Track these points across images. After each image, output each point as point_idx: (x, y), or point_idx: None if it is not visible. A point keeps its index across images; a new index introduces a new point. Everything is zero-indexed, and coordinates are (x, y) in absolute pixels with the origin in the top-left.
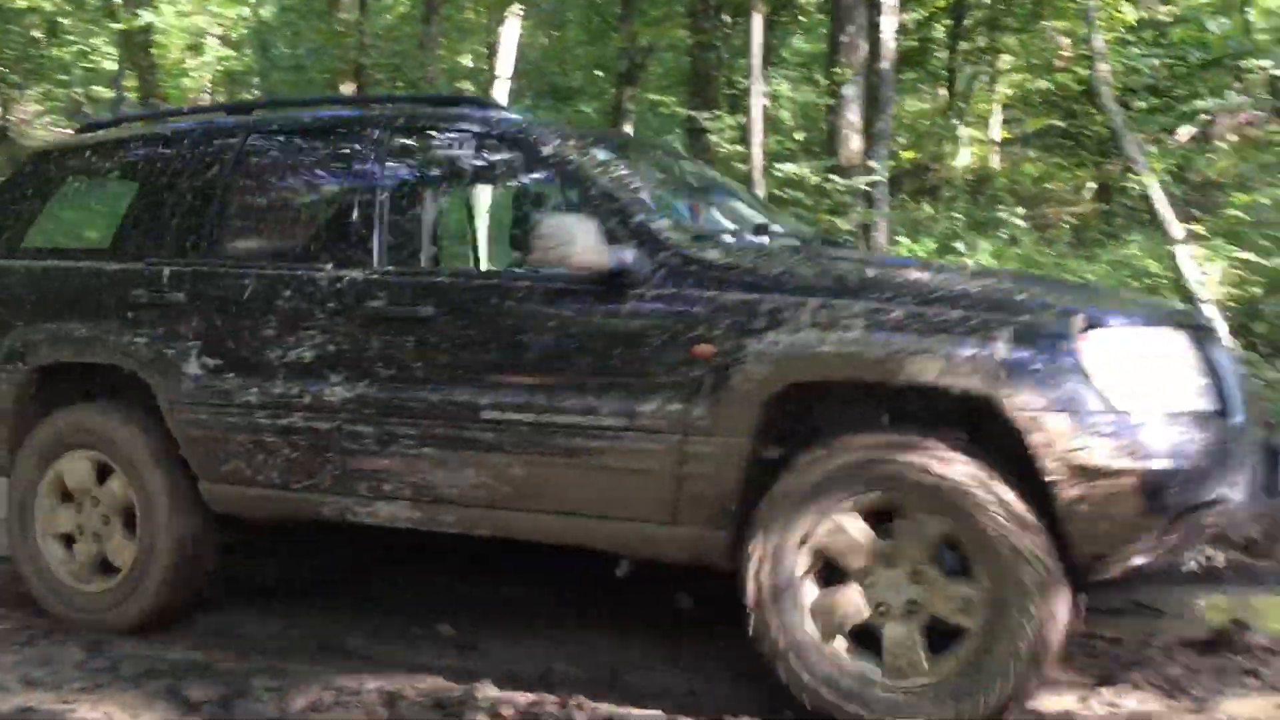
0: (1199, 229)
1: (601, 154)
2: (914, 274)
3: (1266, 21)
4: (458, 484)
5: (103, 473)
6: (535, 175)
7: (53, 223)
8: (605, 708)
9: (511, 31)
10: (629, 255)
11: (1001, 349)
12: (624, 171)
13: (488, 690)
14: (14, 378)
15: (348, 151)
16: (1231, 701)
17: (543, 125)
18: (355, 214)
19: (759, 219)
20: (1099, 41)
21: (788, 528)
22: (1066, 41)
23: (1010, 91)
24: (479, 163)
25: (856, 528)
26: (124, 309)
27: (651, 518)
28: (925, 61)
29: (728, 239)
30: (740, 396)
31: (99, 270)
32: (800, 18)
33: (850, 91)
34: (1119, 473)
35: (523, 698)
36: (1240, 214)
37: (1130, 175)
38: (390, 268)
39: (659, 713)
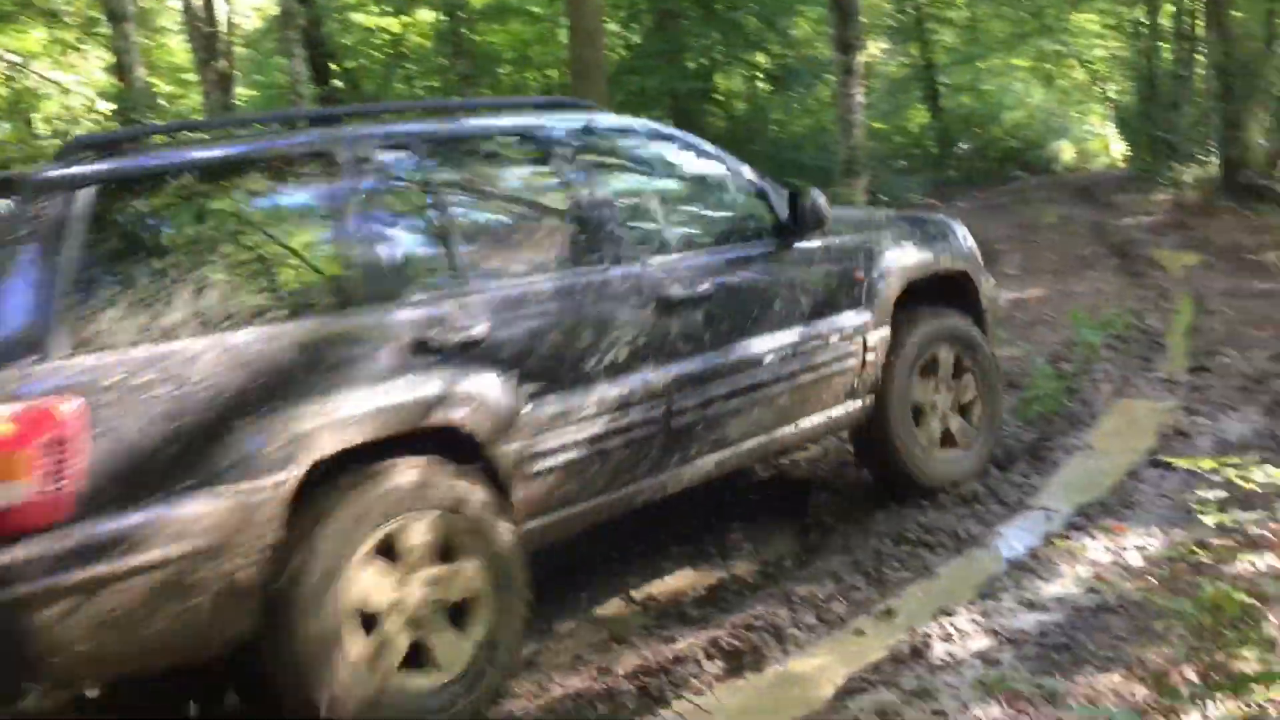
0: None
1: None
2: (885, 215)
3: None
4: (744, 424)
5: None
6: (706, 167)
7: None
8: None
9: None
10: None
11: (957, 245)
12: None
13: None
14: (280, 491)
15: (545, 160)
16: None
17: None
18: (613, 217)
19: None
20: None
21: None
22: None
23: None
24: (668, 160)
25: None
26: (417, 359)
27: (842, 401)
28: None
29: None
30: (885, 300)
31: (351, 326)
32: None
33: None
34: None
35: None
36: None
37: None
38: (664, 259)
39: None
